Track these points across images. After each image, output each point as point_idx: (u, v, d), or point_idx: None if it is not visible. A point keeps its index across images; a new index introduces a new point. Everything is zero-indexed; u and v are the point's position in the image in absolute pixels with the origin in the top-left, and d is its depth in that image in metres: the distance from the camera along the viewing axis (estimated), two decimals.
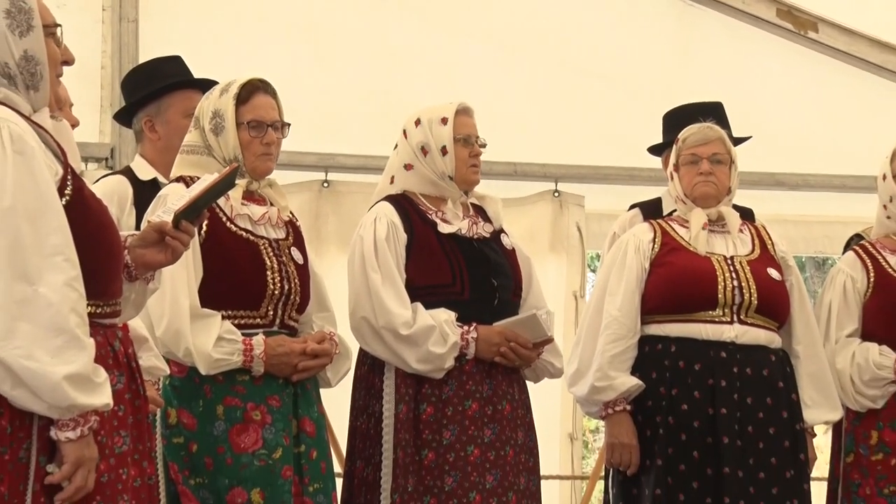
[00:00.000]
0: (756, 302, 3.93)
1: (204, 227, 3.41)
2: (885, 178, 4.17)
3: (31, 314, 2.36)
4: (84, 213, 2.51)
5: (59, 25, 2.68)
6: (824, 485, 4.19)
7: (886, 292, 4.09)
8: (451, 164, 3.77)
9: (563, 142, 5.64)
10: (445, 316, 3.67)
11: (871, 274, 4.12)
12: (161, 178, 3.80)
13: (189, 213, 2.74)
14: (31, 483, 2.41)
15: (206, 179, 2.92)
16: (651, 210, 4.20)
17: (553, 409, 5.05)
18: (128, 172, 3.96)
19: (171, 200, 2.96)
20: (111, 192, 3.16)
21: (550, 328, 3.79)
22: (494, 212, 3.90)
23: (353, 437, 3.80)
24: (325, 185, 5.50)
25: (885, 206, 4.19)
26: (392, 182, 3.85)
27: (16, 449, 2.40)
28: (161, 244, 2.73)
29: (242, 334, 3.42)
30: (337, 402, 3.88)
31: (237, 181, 3.42)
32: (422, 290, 3.71)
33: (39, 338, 2.36)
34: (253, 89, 3.53)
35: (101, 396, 2.42)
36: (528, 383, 3.90)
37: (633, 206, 4.29)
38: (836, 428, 4.17)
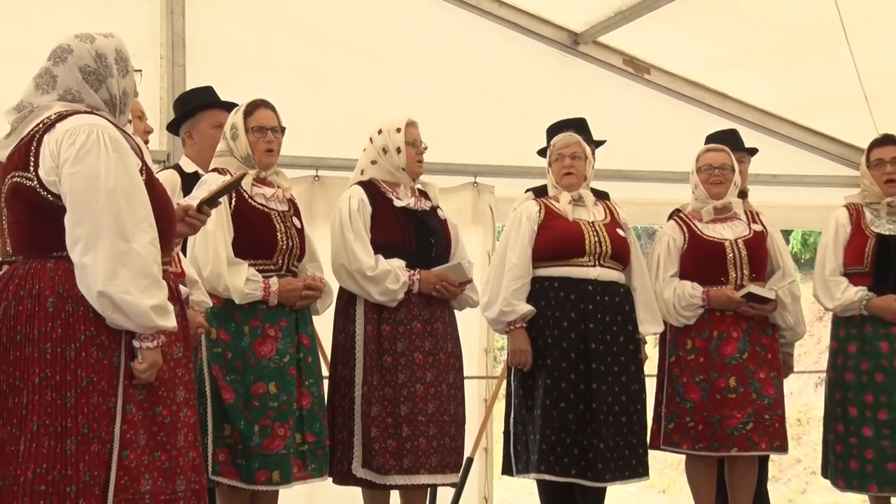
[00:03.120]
0: (610, 251, 3.98)
1: (233, 202, 3.44)
2: (691, 174, 4.23)
3: (128, 263, 2.38)
4: (152, 192, 2.52)
5: (140, 70, 2.73)
6: (652, 380, 4.22)
7: (696, 247, 4.13)
8: (403, 160, 3.78)
9: (479, 148, 5.65)
10: (398, 263, 3.68)
11: (686, 235, 4.16)
12: (200, 171, 3.78)
13: (208, 202, 2.83)
14: (121, 378, 2.44)
15: (223, 180, 3.01)
16: (540, 194, 4.18)
17: (473, 329, 5.06)
18: (177, 167, 3.95)
19: (198, 190, 2.99)
20: (165, 181, 3.18)
21: (470, 273, 3.82)
22: (433, 194, 3.93)
23: (335, 349, 3.80)
24: (317, 179, 5.46)
25: (693, 192, 4.24)
26: (362, 173, 3.85)
27: (110, 356, 2.42)
28: (184, 220, 2.77)
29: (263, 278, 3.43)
30: (324, 326, 3.87)
31: (249, 171, 3.47)
32: (382, 245, 3.71)
33: (133, 279, 2.38)
34: (255, 106, 3.56)
35: (172, 321, 2.46)
36: (456, 311, 3.90)
37: (527, 191, 4.26)
38: (662, 339, 4.21)
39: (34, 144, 2.44)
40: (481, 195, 5.76)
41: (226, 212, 3.41)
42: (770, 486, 4.81)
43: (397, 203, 3.77)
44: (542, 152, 4.35)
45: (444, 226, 3.87)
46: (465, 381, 4.00)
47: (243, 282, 3.37)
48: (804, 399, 10.78)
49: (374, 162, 3.82)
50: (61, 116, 2.47)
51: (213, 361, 3.38)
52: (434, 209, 3.87)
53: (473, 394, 5.25)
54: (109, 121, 2.51)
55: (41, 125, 2.47)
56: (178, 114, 4.08)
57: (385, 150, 3.79)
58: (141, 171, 2.50)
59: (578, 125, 4.28)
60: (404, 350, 3.67)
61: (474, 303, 3.94)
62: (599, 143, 4.40)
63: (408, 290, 3.67)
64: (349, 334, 3.72)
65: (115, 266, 2.35)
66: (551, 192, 4.12)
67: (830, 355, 4.27)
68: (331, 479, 3.67)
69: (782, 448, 4.12)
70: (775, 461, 4.82)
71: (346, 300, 3.74)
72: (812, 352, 10.03)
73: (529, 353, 3.91)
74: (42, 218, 2.44)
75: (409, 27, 5.71)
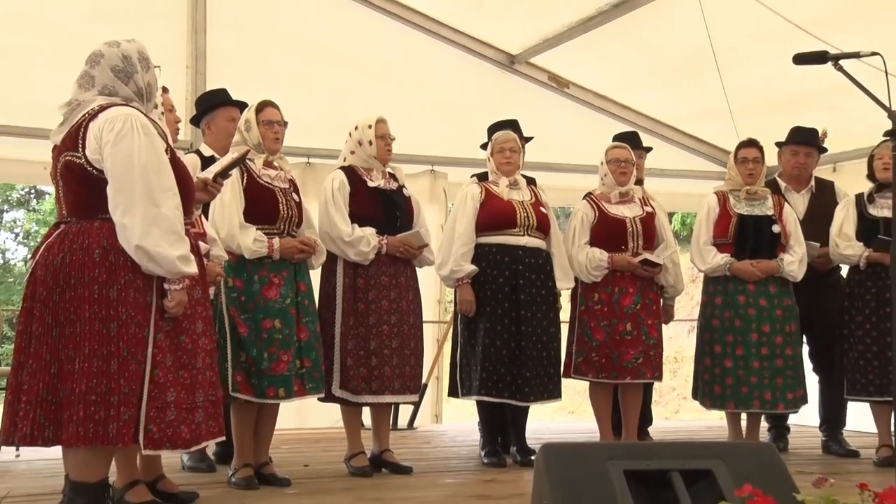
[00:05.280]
0: (536, 224, 3.99)
1: (245, 180, 3.40)
2: (601, 165, 4.25)
3: (158, 223, 2.38)
4: (175, 168, 2.52)
5: (159, 67, 2.69)
6: (566, 325, 4.24)
7: (603, 222, 4.15)
8: (374, 150, 3.74)
9: (436, 142, 5.66)
10: (369, 231, 3.65)
11: (596, 212, 4.18)
12: (216, 155, 3.72)
13: (221, 174, 2.84)
14: (152, 313, 2.45)
15: (231, 155, 2.99)
16: (482, 178, 4.16)
17: (429, 284, 5.05)
18: (198, 152, 3.89)
19: (215, 165, 2.98)
20: (189, 162, 3.14)
21: (427, 239, 3.80)
22: (400, 177, 3.89)
23: (321, 297, 3.75)
24: (308, 164, 5.45)
25: (601, 179, 4.26)
26: (345, 160, 3.81)
27: (145, 296, 2.44)
28: (204, 189, 2.79)
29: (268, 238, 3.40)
30: (314, 279, 3.84)
31: (260, 155, 3.44)
32: (357, 217, 3.68)
33: (163, 236, 2.38)
34: (265, 104, 3.51)
35: (193, 268, 2.48)
36: (418, 269, 3.89)
37: (472, 176, 4.26)
38: (573, 293, 4.23)
39: (81, 130, 2.44)
40: (437, 180, 5.77)
41: (239, 187, 3.37)
42: (652, 408, 4.91)
43: (370, 184, 3.73)
44: (484, 146, 4.34)
45: (408, 201, 3.84)
46: (424, 325, 3.97)
47: (251, 241, 3.34)
48: (680, 342, 10.98)
49: (352, 152, 3.77)
50: (102, 108, 2.46)
51: (231, 304, 3.34)
52: (400, 188, 3.83)
53: (428, 335, 5.25)
54: (140, 110, 2.51)
55: (87, 115, 2.45)
56: (198, 110, 4.03)
57: (360, 143, 3.75)
58: (166, 150, 2.50)
59: (513, 125, 4.27)
60: (374, 298, 3.65)
61: (431, 262, 3.93)
62: (528, 140, 4.40)
63: (377, 251, 3.65)
64: (332, 285, 3.69)
65: (148, 225, 2.36)
66: (491, 177, 4.11)
67: (701, 307, 4.33)
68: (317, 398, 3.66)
69: (660, 377, 4.21)
70: (657, 388, 4.90)
71: (330, 259, 3.71)
72: (687, 306, 10.20)
73: (473, 303, 3.92)
74: (89, 188, 2.43)
75: (382, 46, 5.70)
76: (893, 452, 3.87)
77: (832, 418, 4.62)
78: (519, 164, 4.09)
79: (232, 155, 3.02)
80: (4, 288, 17.24)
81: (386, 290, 3.68)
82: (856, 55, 2.62)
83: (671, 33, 5.32)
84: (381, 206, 3.72)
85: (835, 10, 4.58)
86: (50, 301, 2.38)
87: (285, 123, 3.54)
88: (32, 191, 18.68)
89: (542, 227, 4.02)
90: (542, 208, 4.06)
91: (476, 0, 5.55)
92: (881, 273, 4.08)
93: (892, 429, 2.60)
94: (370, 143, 3.73)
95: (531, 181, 4.23)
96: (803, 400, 4.21)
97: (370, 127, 3.74)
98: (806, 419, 5.11)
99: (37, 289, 2.42)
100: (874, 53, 2.57)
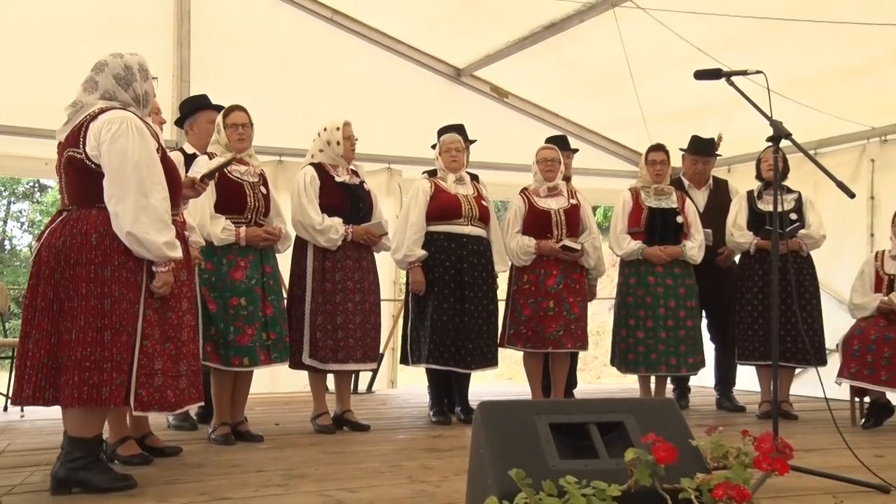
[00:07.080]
0: (478, 215, 4.01)
1: (217, 177, 3.35)
2: (533, 164, 4.28)
3: (147, 212, 2.35)
4: (165, 165, 2.50)
5: (156, 78, 2.66)
6: (503, 303, 4.28)
7: (532, 214, 4.19)
8: (341, 150, 3.73)
9: (392, 143, 5.63)
10: (337, 220, 3.64)
11: (526, 205, 4.22)
12: (197, 153, 3.66)
13: (208, 175, 2.82)
14: (142, 292, 2.42)
15: (219, 160, 2.95)
16: (432, 174, 4.17)
17: (386, 267, 5.08)
18: (181, 150, 3.80)
19: (200, 165, 2.95)
20: (174, 159, 3.08)
21: (387, 228, 3.81)
22: (361, 173, 3.87)
23: (292, 277, 3.74)
24: (280, 162, 5.39)
25: (533, 176, 4.30)
26: (313, 157, 3.78)
27: (136, 276, 2.40)
28: (192, 187, 2.76)
29: (235, 227, 3.37)
30: (285, 262, 3.82)
31: (236, 155, 3.39)
32: (326, 208, 3.66)
33: (151, 224, 2.36)
34: (231, 109, 3.48)
35: (178, 252, 2.45)
36: (377, 254, 3.87)
37: (423, 172, 4.27)
38: (510, 274, 4.26)
39: (83, 129, 2.42)
40: (393, 177, 5.77)
41: (211, 183, 3.33)
42: (577, 374, 4.98)
43: (337, 179, 3.72)
44: (434, 147, 4.34)
45: (369, 195, 3.83)
46: (382, 303, 3.98)
47: (220, 230, 3.32)
48: (602, 317, 11.16)
49: (321, 150, 3.75)
50: (102, 110, 2.44)
51: (202, 284, 3.31)
52: (362, 183, 3.83)
53: (384, 311, 5.22)
54: (136, 114, 2.48)
55: (88, 116, 2.43)
56: (181, 113, 3.96)
57: (329, 143, 3.73)
58: (157, 149, 2.48)
59: (459, 128, 4.29)
60: (340, 279, 3.64)
61: (388, 248, 3.93)
62: (472, 142, 4.42)
63: (343, 238, 3.65)
64: (302, 267, 3.68)
65: (138, 214, 2.34)
66: (440, 174, 4.12)
67: (618, 286, 4.42)
68: (287, 365, 3.65)
69: (584, 347, 4.24)
70: (581, 357, 4.99)
71: (301, 244, 3.69)
72: (608, 286, 10.36)
73: (423, 283, 3.94)
74: (88, 180, 2.40)
75: (346, 58, 5.67)
76: (772, 407, 4.03)
77: (725, 379, 4.78)
78: (463, 162, 4.11)
79: (219, 160, 3.00)
80: (11, 270, 16.83)
81: (350, 273, 3.67)
82: (743, 73, 2.71)
83: (594, 53, 5.40)
84: (348, 199, 3.71)
85: (729, 36, 4.72)
86: (52, 279, 2.35)
87: (252, 124, 3.49)
88: (36, 184, 18.17)
89: (484, 218, 4.05)
90: (483, 201, 4.09)
91: (426, 21, 5.55)
92: (767, 258, 4.24)
93: (772, 387, 2.72)
94: (338, 143, 3.72)
95: (475, 177, 4.26)
96: (702, 364, 4.34)
97: (338, 129, 3.73)
98: (704, 381, 5.27)
99: (41, 268, 2.38)
100: (758, 72, 2.66)
